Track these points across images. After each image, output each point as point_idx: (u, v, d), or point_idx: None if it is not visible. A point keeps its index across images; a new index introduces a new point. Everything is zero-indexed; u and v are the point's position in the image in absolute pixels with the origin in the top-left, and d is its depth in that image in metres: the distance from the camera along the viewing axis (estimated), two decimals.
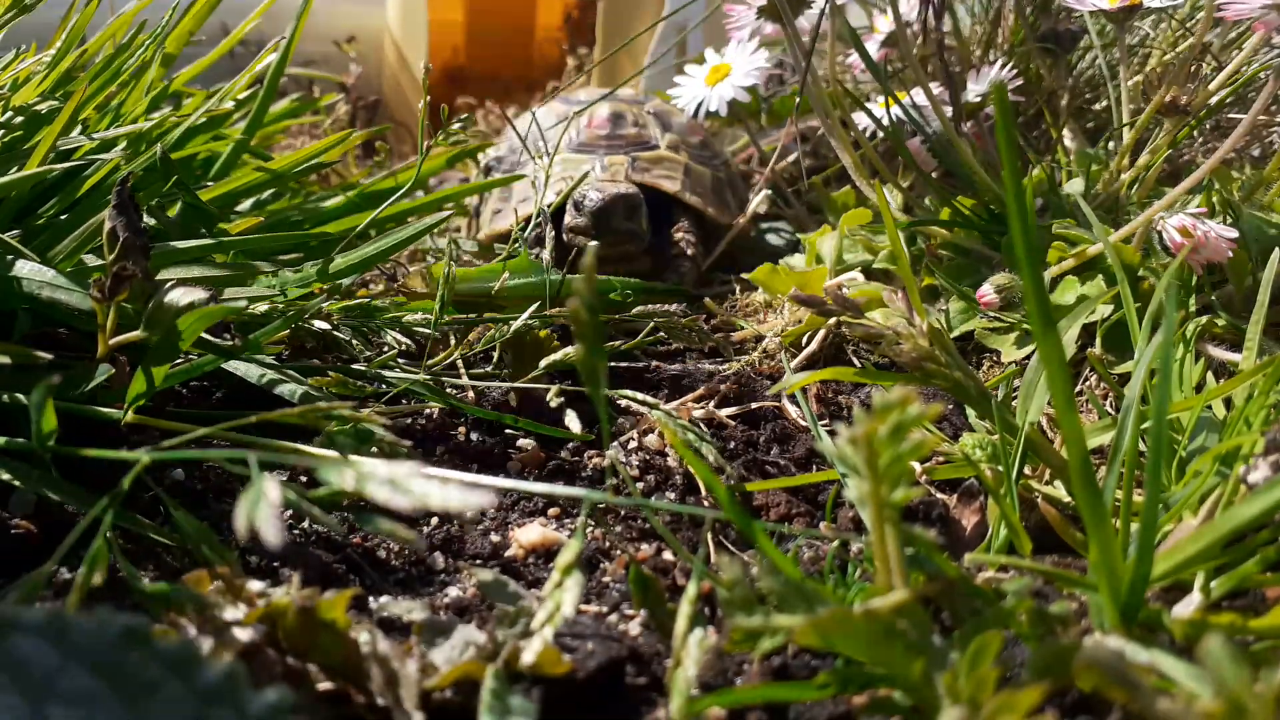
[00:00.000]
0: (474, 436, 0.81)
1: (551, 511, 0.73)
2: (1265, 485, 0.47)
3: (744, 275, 1.07)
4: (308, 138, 1.76)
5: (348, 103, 1.88)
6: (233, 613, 0.50)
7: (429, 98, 0.92)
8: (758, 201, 1.19)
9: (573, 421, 0.80)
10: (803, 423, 0.84)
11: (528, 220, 1.07)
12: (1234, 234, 0.85)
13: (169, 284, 0.63)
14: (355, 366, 0.83)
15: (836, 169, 1.25)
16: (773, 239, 1.29)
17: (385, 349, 0.86)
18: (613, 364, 0.94)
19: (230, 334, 0.86)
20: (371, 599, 0.61)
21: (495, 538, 0.69)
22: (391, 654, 0.48)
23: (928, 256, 1.03)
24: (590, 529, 0.70)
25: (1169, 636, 0.51)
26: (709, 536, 0.69)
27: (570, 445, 0.81)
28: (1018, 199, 0.43)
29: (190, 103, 1.07)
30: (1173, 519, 0.60)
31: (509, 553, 0.67)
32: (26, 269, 0.71)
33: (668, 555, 0.68)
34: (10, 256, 0.72)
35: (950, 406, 0.86)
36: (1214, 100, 1.00)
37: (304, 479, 0.73)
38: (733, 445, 0.80)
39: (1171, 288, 0.57)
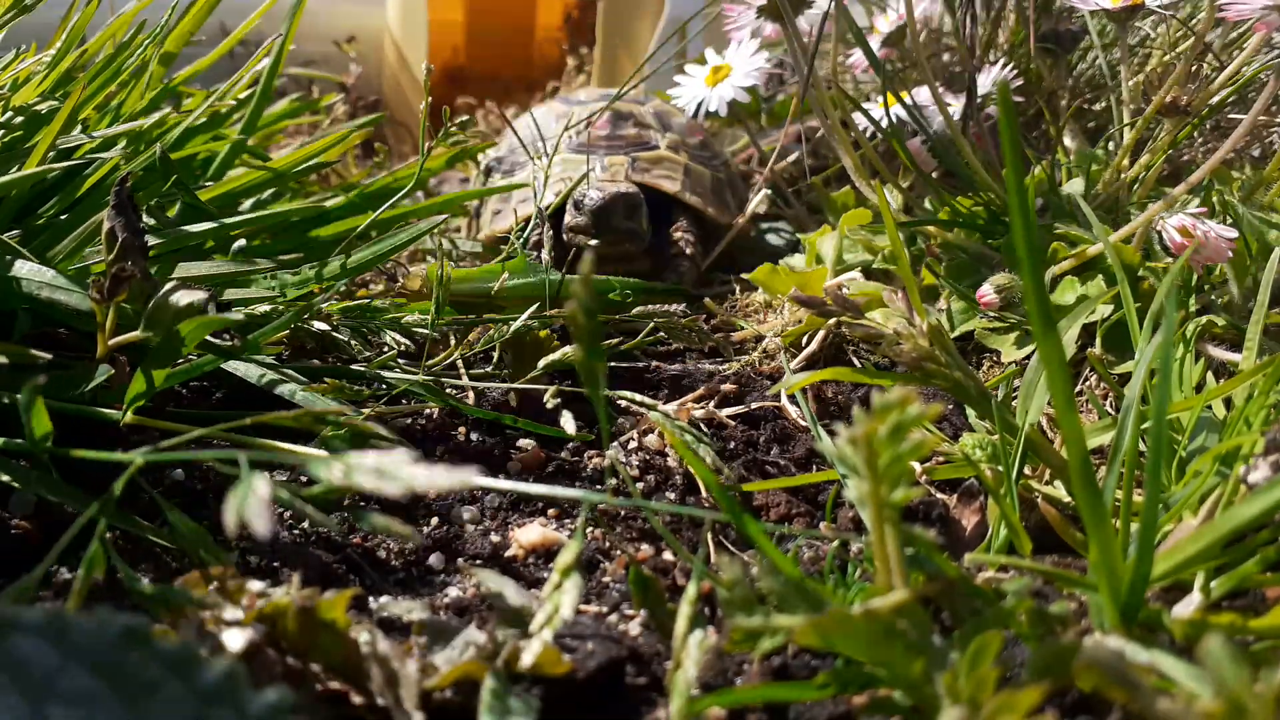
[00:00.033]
0: (474, 437, 0.81)
1: (551, 512, 0.73)
2: (1265, 485, 0.47)
3: (744, 275, 1.07)
4: (307, 138, 1.76)
5: (347, 103, 1.88)
6: (231, 613, 0.50)
7: (429, 98, 0.92)
8: (757, 201, 1.19)
9: (568, 422, 0.80)
10: (803, 423, 0.84)
11: (527, 221, 1.07)
12: (1234, 234, 0.85)
13: (169, 284, 0.63)
14: (355, 367, 0.83)
15: (836, 169, 1.25)
16: (773, 239, 1.29)
17: (385, 349, 0.86)
18: (612, 364, 0.94)
19: (230, 334, 0.86)
20: (371, 599, 0.61)
21: (495, 538, 0.69)
22: (391, 654, 0.48)
23: (928, 256, 1.03)
24: (590, 529, 0.70)
25: (1169, 636, 0.51)
26: (709, 537, 0.69)
27: (570, 446, 0.81)
28: (1019, 199, 0.43)
29: (190, 102, 1.07)
30: (1173, 519, 0.60)
31: (509, 553, 0.67)
32: (26, 269, 0.71)
33: (668, 555, 0.68)
34: (10, 256, 0.72)
35: (950, 406, 0.86)
36: (1215, 100, 1.00)
37: (303, 479, 0.73)
38: (733, 445, 0.80)
39: (1172, 288, 0.57)
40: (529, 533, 0.69)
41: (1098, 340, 0.87)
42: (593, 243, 1.05)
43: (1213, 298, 0.90)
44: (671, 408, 0.84)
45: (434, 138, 0.99)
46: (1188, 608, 0.54)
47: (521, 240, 1.02)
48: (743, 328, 1.03)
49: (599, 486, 0.76)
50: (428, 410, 0.82)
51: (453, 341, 0.90)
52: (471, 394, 0.85)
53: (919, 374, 0.64)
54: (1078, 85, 1.22)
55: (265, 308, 0.84)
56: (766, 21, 1.06)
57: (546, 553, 0.68)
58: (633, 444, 0.81)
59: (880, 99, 1.13)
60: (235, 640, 0.48)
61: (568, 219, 1.08)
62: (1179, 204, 0.88)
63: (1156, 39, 1.18)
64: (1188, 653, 0.48)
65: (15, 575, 0.58)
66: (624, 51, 1.93)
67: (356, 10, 2.07)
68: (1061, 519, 0.63)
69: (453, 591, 0.63)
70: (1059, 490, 0.68)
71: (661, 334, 0.94)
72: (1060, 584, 0.57)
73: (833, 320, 0.94)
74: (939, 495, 0.74)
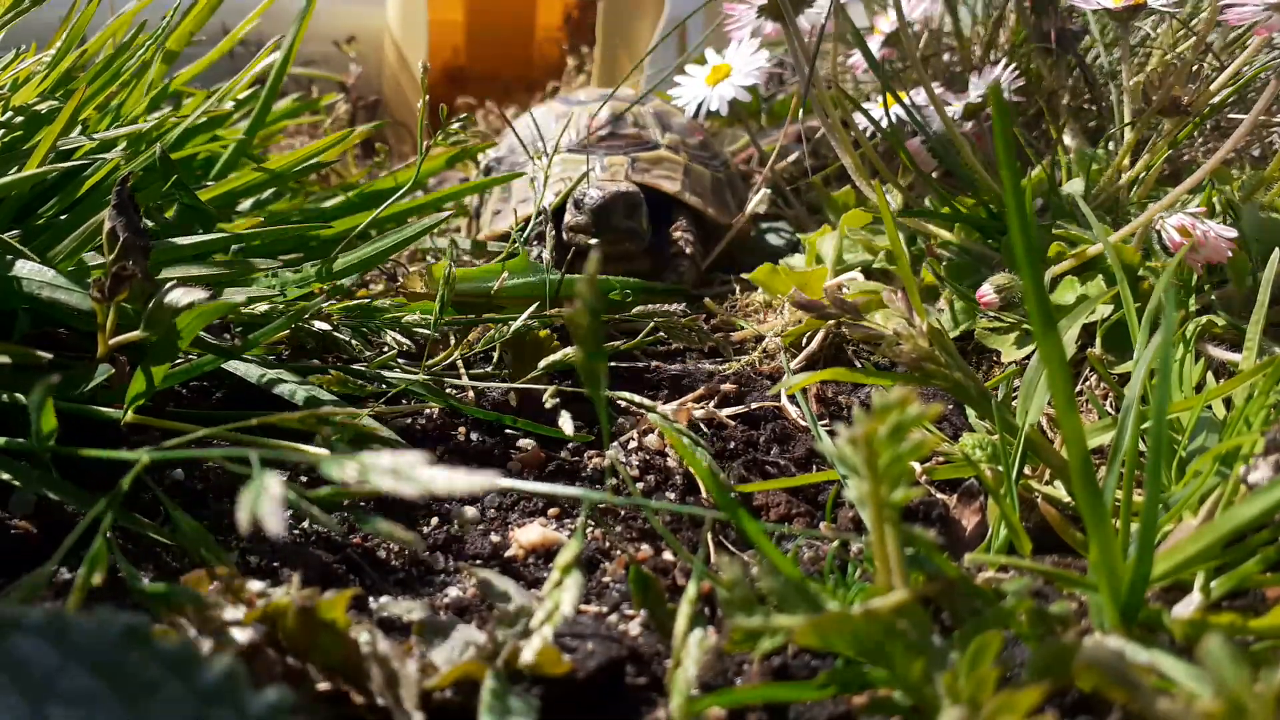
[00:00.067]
0: (474, 437, 0.81)
1: (551, 512, 0.73)
2: (1265, 485, 0.47)
3: (744, 275, 1.07)
4: (307, 138, 1.76)
5: (348, 103, 1.88)
6: (232, 613, 0.50)
7: (429, 98, 0.92)
8: (757, 201, 1.19)
9: (566, 423, 0.80)
10: (803, 423, 0.84)
11: (528, 221, 1.07)
12: (1234, 234, 0.85)
13: (169, 284, 0.63)
14: (355, 367, 0.83)
15: (836, 169, 1.25)
16: (773, 239, 1.29)
17: (385, 349, 0.86)
18: (613, 364, 0.94)
19: (230, 334, 0.86)
20: (371, 599, 0.61)
21: (495, 538, 0.69)
22: (391, 654, 0.48)
23: (928, 256, 1.03)
24: (590, 529, 0.70)
25: (1169, 636, 0.51)
26: (709, 536, 0.69)
27: (570, 445, 0.81)
28: (1016, 199, 0.43)
29: (190, 103, 1.07)
30: (1173, 519, 0.60)
31: (509, 553, 0.67)
32: (26, 269, 0.71)
33: (668, 555, 0.68)
34: (10, 256, 0.72)
35: (950, 406, 0.86)
36: (1215, 100, 1.00)
37: (304, 479, 0.73)
38: (733, 445, 0.80)
39: (1170, 287, 0.57)
40: (529, 533, 0.69)
41: (1098, 340, 0.87)
42: (593, 241, 1.05)
43: (1213, 298, 0.90)
44: (671, 408, 0.84)
45: (433, 138, 0.99)
46: (1188, 608, 0.54)
47: (523, 240, 1.02)
48: (743, 328, 1.03)
49: (599, 486, 0.76)
50: (428, 410, 0.82)
51: (453, 341, 0.90)
52: (471, 394, 0.85)
53: (919, 374, 0.64)
54: (1077, 85, 1.22)
55: (265, 307, 0.84)
56: (767, 21, 1.06)
57: (546, 553, 0.68)
58: (633, 444, 0.81)
59: (880, 99, 1.13)
60: (236, 640, 0.48)
61: (568, 218, 1.08)
62: (1179, 204, 0.88)
63: (1157, 39, 1.18)
64: (1188, 653, 0.48)
65: (15, 575, 0.58)
66: (624, 51, 1.93)
67: (356, 10, 2.07)
68: (1061, 519, 0.63)
69: (453, 591, 0.63)
70: (1059, 490, 0.68)
71: (661, 334, 0.94)
72: (1060, 584, 0.57)
73: (833, 320, 0.94)
74: (939, 495, 0.74)
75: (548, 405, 0.82)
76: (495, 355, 0.88)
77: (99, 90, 0.94)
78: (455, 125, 1.01)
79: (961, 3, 1.25)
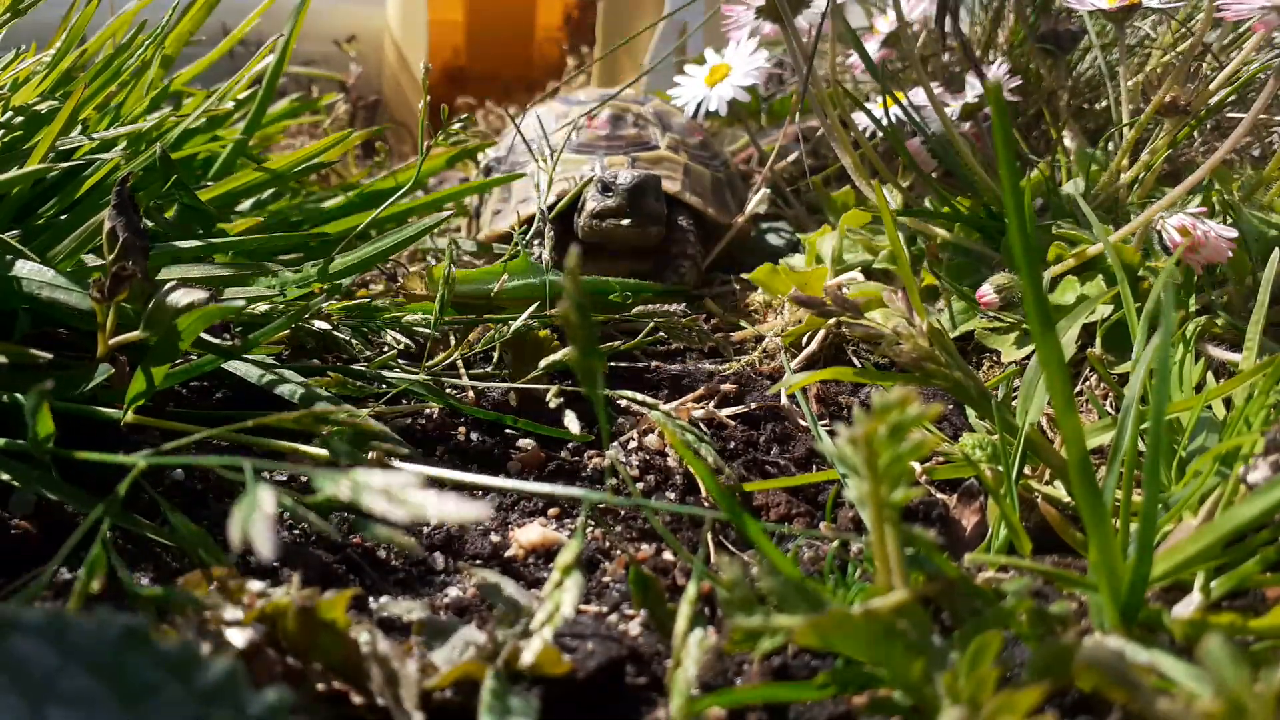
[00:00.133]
0: (474, 437, 0.81)
1: (551, 511, 0.73)
2: (1265, 485, 0.47)
3: (744, 275, 1.07)
4: (307, 138, 1.76)
5: (348, 103, 1.88)
6: (232, 613, 0.50)
7: (429, 98, 0.92)
8: (757, 201, 1.19)
9: (572, 422, 0.80)
10: (803, 423, 0.84)
11: (528, 221, 1.07)
12: (1234, 234, 0.85)
13: (169, 284, 0.63)
14: (355, 367, 0.83)
15: (836, 169, 1.25)
16: (773, 239, 1.29)
17: (385, 349, 0.86)
18: (613, 364, 0.94)
19: (230, 334, 0.86)
20: (371, 599, 0.61)
21: (495, 538, 0.69)
22: (391, 654, 0.48)
23: (928, 256, 1.03)
24: (590, 529, 0.70)
25: (1169, 636, 0.51)
26: (709, 536, 0.69)
27: (570, 445, 0.81)
28: (1016, 199, 0.43)
29: (190, 103, 1.07)
30: (1173, 519, 0.60)
31: (509, 553, 0.67)
32: (26, 269, 0.71)
33: (668, 555, 0.68)
34: (10, 256, 0.72)
35: (950, 406, 0.86)
36: (1214, 100, 1.00)
37: (304, 479, 0.73)
38: (733, 445, 0.80)
39: (1169, 287, 0.57)
40: (529, 533, 0.69)
41: (1098, 340, 0.87)
42: (624, 222, 1.05)
43: (1213, 298, 0.90)
44: (671, 407, 0.84)
45: (434, 138, 0.99)
46: (1188, 608, 0.54)
47: (525, 242, 1.02)
48: (743, 327, 1.03)
49: (599, 486, 0.76)
50: (428, 410, 0.82)
51: (453, 341, 0.90)
52: (471, 394, 0.85)
53: (919, 374, 0.64)
54: (1077, 85, 1.22)
55: (265, 307, 0.84)
56: (765, 21, 1.06)
57: (546, 553, 0.68)
58: (633, 444, 0.81)
59: (880, 99, 1.13)
60: (235, 641, 0.48)
61: (592, 205, 1.08)
62: (1179, 204, 0.88)
63: (1155, 39, 1.18)
64: (1188, 653, 0.48)
65: (15, 575, 0.58)
66: (624, 51, 1.93)
67: (356, 10, 2.07)
68: (1061, 519, 0.63)
69: (453, 591, 0.63)
70: (1059, 490, 0.68)
71: (662, 334, 0.94)
72: (1060, 584, 0.57)
73: (833, 320, 0.94)
74: (939, 495, 0.74)
75: (552, 405, 0.82)
76: (495, 355, 0.88)
77: (99, 90, 0.94)
78: (455, 125, 1.01)
79: (960, 2, 1.24)
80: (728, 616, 0.47)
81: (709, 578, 0.53)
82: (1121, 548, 0.50)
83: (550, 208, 1.07)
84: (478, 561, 0.66)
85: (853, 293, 0.96)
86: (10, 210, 0.81)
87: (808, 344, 0.97)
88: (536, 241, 1.09)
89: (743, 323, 1.05)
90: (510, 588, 0.58)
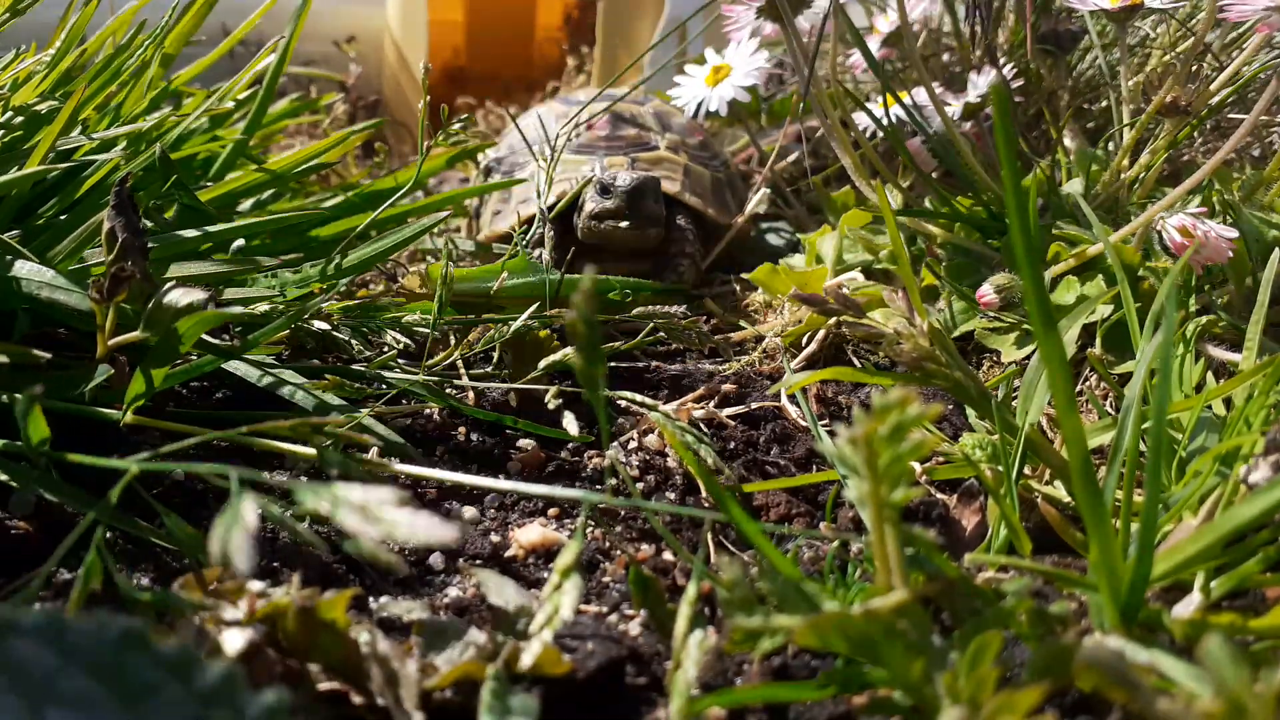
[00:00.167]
0: (474, 437, 0.81)
1: (551, 512, 0.73)
2: (1265, 485, 0.47)
3: (744, 275, 1.07)
4: (306, 138, 1.76)
5: (347, 103, 1.88)
6: (232, 613, 0.50)
7: (429, 98, 0.92)
8: (757, 201, 1.19)
9: (570, 424, 0.80)
10: (803, 423, 0.84)
11: (528, 221, 1.07)
12: (1234, 234, 0.85)
13: (168, 284, 0.63)
14: (355, 367, 0.83)
15: (836, 169, 1.25)
16: (773, 239, 1.29)
17: (385, 349, 0.86)
18: (613, 364, 0.94)
19: (230, 334, 0.86)
20: (371, 599, 0.61)
21: (495, 538, 0.69)
22: (391, 654, 0.48)
23: (928, 256, 1.03)
24: (590, 529, 0.70)
25: (1169, 636, 0.51)
26: (709, 537, 0.69)
27: (570, 446, 0.81)
28: (1017, 198, 0.43)
29: (190, 103, 1.07)
30: (1173, 519, 0.60)
31: (509, 553, 0.67)
32: (26, 269, 0.71)
33: (668, 555, 0.68)
34: (10, 256, 0.72)
35: (950, 406, 0.86)
36: (1215, 101, 1.00)
37: (304, 479, 0.73)
38: (733, 445, 0.80)
39: (1172, 288, 0.57)
40: (529, 533, 0.69)
41: (1098, 340, 0.87)
42: (623, 224, 1.05)
43: (1213, 298, 0.90)
44: (671, 408, 0.84)
45: (434, 138, 0.99)
46: (1188, 608, 0.54)
47: (524, 243, 1.02)
48: (743, 327, 1.03)
49: (599, 486, 0.76)
50: (428, 410, 0.82)
51: (453, 341, 0.90)
52: (471, 394, 0.85)
53: (919, 374, 0.64)
54: (1077, 85, 1.22)
55: (265, 307, 0.84)
56: (766, 21, 1.06)
57: (546, 553, 0.68)
58: (633, 444, 0.81)
59: (880, 98, 1.13)
60: (235, 641, 0.48)
61: (591, 206, 1.08)
62: (1179, 204, 0.88)
63: (1156, 39, 1.18)
64: (1188, 653, 0.48)
65: (15, 575, 0.58)
66: (624, 51, 1.93)
67: (356, 10, 2.07)
68: (1061, 519, 0.63)
69: (453, 591, 0.63)
70: (1059, 490, 0.68)
71: (661, 334, 0.94)
72: (1060, 584, 0.57)
73: (833, 320, 0.94)
74: (939, 495, 0.74)
75: (551, 406, 0.82)
76: (495, 355, 0.88)
77: (98, 90, 0.94)
78: (455, 125, 1.01)
79: (960, 2, 1.25)
80: (728, 616, 0.47)
81: (709, 578, 0.53)
82: (1122, 548, 0.50)
83: (550, 208, 1.07)
84: (478, 561, 0.66)
85: (853, 293, 0.96)
86: (10, 210, 0.81)
87: (808, 344, 0.97)
88: (536, 242, 1.09)
89: (743, 323, 1.05)
90: (510, 588, 0.57)
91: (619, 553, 0.68)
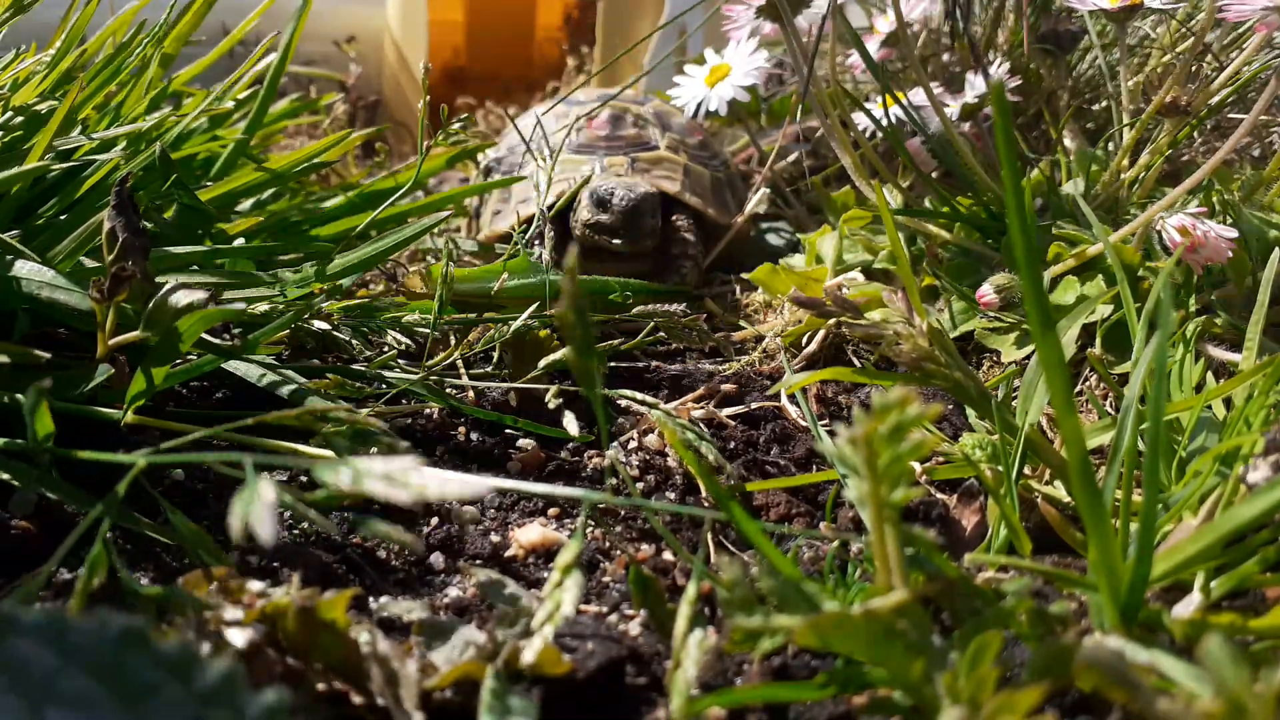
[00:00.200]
0: (474, 437, 0.81)
1: (551, 512, 0.73)
2: (1265, 485, 0.47)
3: (744, 275, 1.07)
4: (306, 138, 1.76)
5: (347, 103, 1.88)
6: (232, 613, 0.50)
7: (429, 98, 0.92)
8: (757, 201, 1.19)
9: (570, 423, 0.80)
10: (803, 423, 0.84)
11: (528, 221, 1.07)
12: (1234, 234, 0.85)
13: (169, 284, 0.63)
14: (355, 367, 0.83)
15: (836, 169, 1.25)
16: (773, 239, 1.29)
17: (385, 349, 0.86)
18: (613, 364, 0.94)
19: (230, 334, 0.86)
20: (371, 599, 0.61)
21: (495, 538, 0.69)
22: (391, 654, 0.48)
23: (928, 256, 1.03)
24: (590, 529, 0.70)
25: (1169, 636, 0.51)
26: (709, 537, 0.69)
27: (570, 445, 0.81)
28: (1016, 198, 0.43)
29: (190, 102, 1.07)
30: (1173, 519, 0.60)
31: (509, 553, 0.67)
32: (26, 269, 0.71)
33: (668, 555, 0.68)
34: (10, 256, 0.72)
35: (950, 406, 0.86)
36: (1214, 101, 1.00)
37: (304, 478, 0.73)
38: (733, 445, 0.80)
39: (1168, 287, 0.57)
40: (529, 533, 0.69)
41: (1098, 340, 0.87)
42: (616, 241, 1.05)
43: (1213, 298, 0.90)
44: (671, 407, 0.84)
45: (433, 138, 0.99)
46: (1188, 608, 0.54)
47: (525, 242, 1.02)
48: (743, 327, 1.03)
49: (599, 486, 0.76)
50: (428, 410, 0.82)
51: (453, 341, 0.90)
52: (471, 394, 0.85)
53: (919, 374, 0.64)
54: (1077, 85, 1.22)
55: (265, 307, 0.84)
56: (765, 21, 1.06)
57: (546, 553, 0.68)
58: (633, 444, 0.81)
59: (879, 98, 1.13)
60: (235, 640, 0.48)
61: (585, 215, 1.08)
62: (1179, 204, 0.88)
63: (1156, 39, 1.18)
64: (1188, 653, 0.48)
65: (15, 575, 0.58)
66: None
67: (356, 10, 2.07)
68: (1061, 519, 0.63)
69: (453, 591, 0.63)
70: (1059, 490, 0.68)
71: (662, 334, 0.94)
72: (1060, 584, 0.57)
73: (833, 320, 0.94)
74: (939, 495, 0.74)
75: (551, 405, 0.82)
76: (495, 355, 0.88)
77: (98, 90, 0.94)
78: (455, 125, 1.01)
79: (942, 2, 1.25)
80: (728, 616, 0.47)
81: (709, 578, 0.53)
82: (1121, 548, 0.50)
83: (550, 208, 1.07)
84: (478, 561, 0.66)
85: (853, 293, 0.96)
86: (10, 210, 0.81)
87: (807, 344, 0.97)
88: (537, 241, 1.09)
89: (743, 323, 1.05)
90: (510, 588, 0.58)
91: (619, 552, 0.68)
